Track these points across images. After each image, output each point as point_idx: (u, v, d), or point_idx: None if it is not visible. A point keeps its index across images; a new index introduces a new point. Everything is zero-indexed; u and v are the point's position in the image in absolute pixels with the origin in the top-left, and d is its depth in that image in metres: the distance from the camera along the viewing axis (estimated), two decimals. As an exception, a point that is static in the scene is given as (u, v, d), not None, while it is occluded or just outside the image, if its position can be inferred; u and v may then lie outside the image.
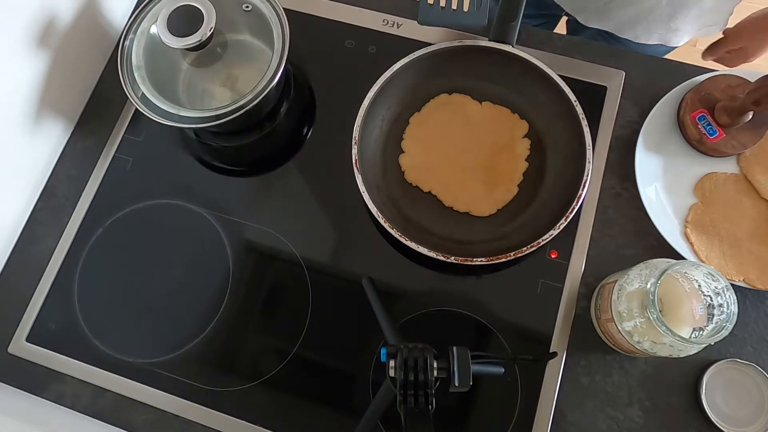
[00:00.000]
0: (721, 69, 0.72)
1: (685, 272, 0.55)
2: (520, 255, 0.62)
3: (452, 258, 0.63)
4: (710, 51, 0.84)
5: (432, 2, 0.63)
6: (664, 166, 0.70)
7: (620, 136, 0.72)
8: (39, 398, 0.67)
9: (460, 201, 0.70)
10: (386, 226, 0.64)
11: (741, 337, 0.64)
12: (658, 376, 0.64)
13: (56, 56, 0.70)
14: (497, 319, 0.67)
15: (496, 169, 0.70)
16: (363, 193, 0.65)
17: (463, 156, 0.71)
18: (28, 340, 0.69)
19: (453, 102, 0.73)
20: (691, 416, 0.63)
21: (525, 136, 0.71)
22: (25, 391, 0.68)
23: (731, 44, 0.81)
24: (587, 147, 0.65)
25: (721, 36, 0.82)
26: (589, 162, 0.65)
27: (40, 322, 0.70)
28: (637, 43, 0.85)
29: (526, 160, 0.71)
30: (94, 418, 0.66)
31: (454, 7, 0.64)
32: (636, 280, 0.55)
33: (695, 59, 0.81)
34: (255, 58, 0.72)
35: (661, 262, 0.54)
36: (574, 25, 0.95)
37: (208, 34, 0.64)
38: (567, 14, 0.91)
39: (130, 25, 0.68)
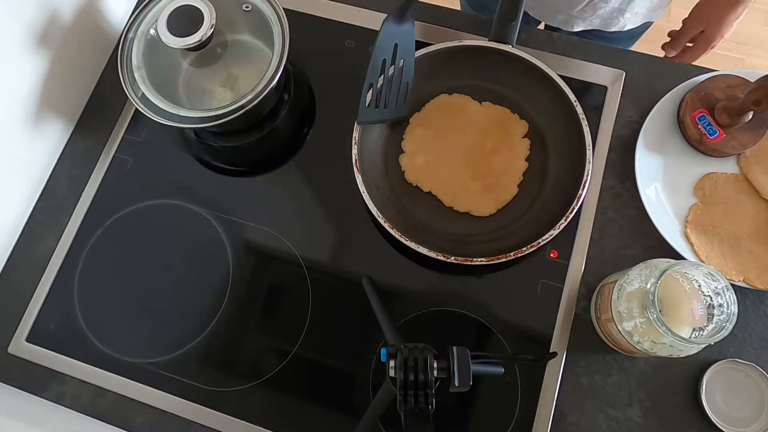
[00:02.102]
0: (721, 69, 0.72)
1: (685, 272, 0.55)
2: (520, 255, 0.62)
3: (452, 258, 0.63)
4: (672, 45, 0.84)
5: (368, 104, 0.66)
6: (664, 166, 0.70)
7: (620, 136, 0.72)
8: (39, 398, 0.67)
9: (460, 201, 0.70)
10: (386, 226, 0.64)
11: (741, 337, 0.64)
12: (658, 376, 0.64)
13: (56, 56, 0.70)
14: (497, 319, 0.67)
15: (497, 170, 0.70)
16: (363, 193, 0.65)
17: (463, 156, 0.71)
18: (28, 340, 0.69)
19: (453, 102, 0.73)
20: (691, 416, 0.63)
21: (525, 136, 0.71)
22: (25, 391, 0.68)
23: (691, 30, 0.80)
24: (587, 147, 0.65)
25: (678, 28, 0.81)
26: (589, 162, 0.65)
27: (40, 322, 0.70)
28: (619, 36, 0.85)
29: (526, 160, 0.71)
30: (94, 418, 0.66)
31: (384, 105, 0.67)
32: (636, 280, 0.55)
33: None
34: (255, 58, 0.73)
35: (661, 262, 0.54)
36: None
37: (208, 34, 0.64)
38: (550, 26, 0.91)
39: (130, 25, 0.68)
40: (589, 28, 0.85)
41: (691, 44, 0.83)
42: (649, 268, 0.55)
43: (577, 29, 0.85)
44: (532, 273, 0.68)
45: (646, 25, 0.87)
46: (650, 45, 0.89)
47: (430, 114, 0.73)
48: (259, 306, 0.69)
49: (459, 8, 1.04)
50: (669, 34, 0.84)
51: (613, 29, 0.84)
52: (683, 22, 0.81)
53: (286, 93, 0.74)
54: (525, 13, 0.87)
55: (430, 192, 0.71)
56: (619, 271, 0.62)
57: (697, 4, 0.79)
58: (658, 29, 0.92)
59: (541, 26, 1.01)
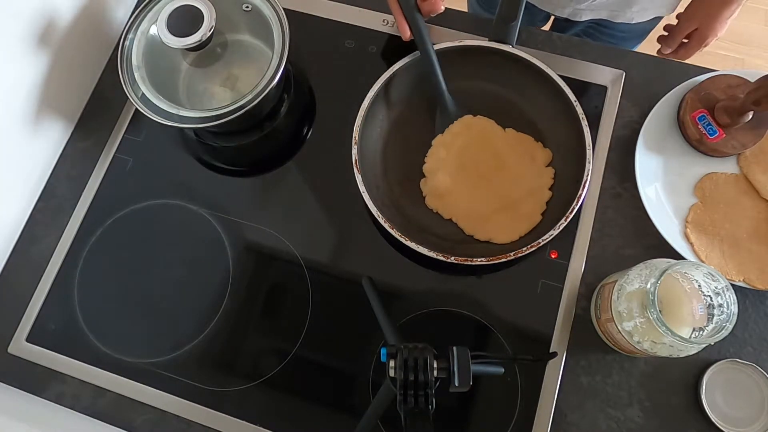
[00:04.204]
0: (721, 69, 0.72)
1: (685, 272, 0.55)
2: (520, 255, 0.62)
3: (452, 258, 0.63)
4: (667, 42, 0.83)
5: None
6: (664, 166, 0.70)
7: (620, 136, 0.72)
8: (39, 398, 0.67)
9: (482, 231, 0.68)
10: (386, 226, 0.64)
11: (741, 337, 0.64)
12: (658, 376, 0.64)
13: (56, 56, 0.70)
14: (497, 319, 0.67)
15: (521, 201, 0.68)
16: (363, 193, 0.65)
17: (486, 185, 0.69)
18: (28, 340, 0.69)
19: (477, 126, 0.71)
20: (691, 416, 0.63)
21: (549, 164, 0.70)
22: (25, 391, 0.68)
23: (686, 28, 0.79)
24: (587, 147, 0.65)
25: (673, 23, 0.81)
26: (589, 162, 0.65)
27: (40, 322, 0.70)
28: (628, 30, 0.85)
29: (550, 189, 0.69)
30: (94, 418, 0.66)
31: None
32: (636, 280, 0.55)
33: (695, 59, 0.81)
34: (255, 58, 0.73)
35: (661, 262, 0.54)
36: (561, 24, 0.95)
37: (208, 34, 0.64)
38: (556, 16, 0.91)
39: (130, 25, 0.68)
40: (596, 17, 0.85)
41: (686, 40, 0.82)
42: (649, 268, 0.55)
43: (584, 19, 0.86)
44: (532, 273, 0.68)
45: (656, 20, 0.87)
46: (650, 45, 0.89)
47: (455, 138, 0.71)
48: (259, 306, 0.69)
49: (459, 8, 1.04)
50: (665, 28, 0.84)
51: (619, 21, 0.84)
52: (678, 17, 0.80)
53: (286, 93, 0.74)
54: (531, 5, 0.87)
55: (450, 219, 0.69)
56: (619, 271, 0.62)
57: (691, 2, 0.79)
58: (657, 28, 0.92)
59: (547, 26, 1.02)
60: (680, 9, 0.82)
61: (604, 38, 0.94)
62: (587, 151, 0.65)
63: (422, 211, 0.70)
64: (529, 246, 0.63)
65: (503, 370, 0.57)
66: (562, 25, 0.95)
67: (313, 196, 0.73)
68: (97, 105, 0.78)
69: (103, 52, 0.79)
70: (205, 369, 0.67)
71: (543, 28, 1.00)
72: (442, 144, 0.71)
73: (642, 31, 0.91)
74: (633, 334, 0.55)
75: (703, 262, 0.65)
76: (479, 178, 0.70)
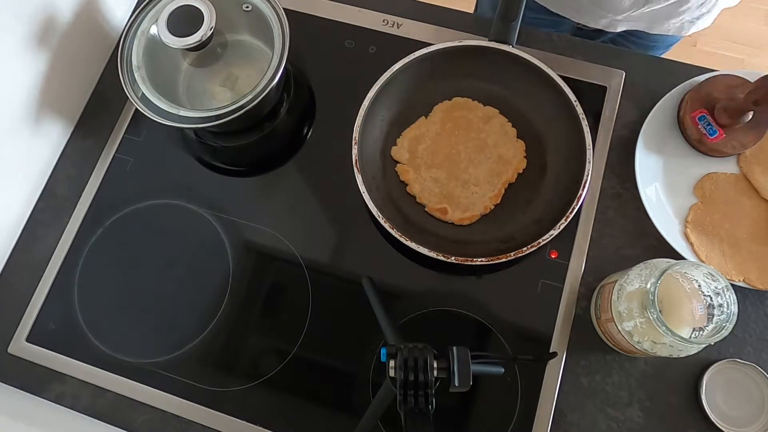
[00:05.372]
0: (721, 69, 0.72)
1: (685, 272, 0.55)
2: (520, 255, 0.62)
3: (452, 258, 0.63)
4: None
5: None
6: (664, 166, 0.70)
7: (620, 136, 0.72)
8: (39, 398, 0.67)
9: (474, 213, 0.69)
10: (386, 226, 0.64)
11: (741, 337, 0.64)
12: (658, 376, 0.64)
13: (56, 56, 0.70)
14: (497, 319, 0.67)
15: (498, 162, 0.70)
16: (363, 193, 0.65)
17: (468, 169, 0.71)
18: (28, 340, 0.69)
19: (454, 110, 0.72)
20: (691, 416, 0.63)
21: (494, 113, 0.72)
22: (25, 391, 0.68)
23: None
24: (587, 147, 0.65)
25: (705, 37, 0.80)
26: (589, 162, 0.65)
27: (40, 322, 0.70)
28: (659, 40, 0.83)
29: (519, 138, 0.71)
30: (94, 418, 0.66)
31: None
32: (636, 280, 0.55)
33: (695, 59, 0.81)
34: (255, 58, 0.73)
35: (661, 262, 0.54)
36: (589, 33, 0.90)
37: (208, 34, 0.64)
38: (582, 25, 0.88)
39: (130, 25, 0.68)
40: (633, 28, 0.84)
41: None
42: (649, 268, 0.55)
43: (620, 29, 0.84)
44: (532, 273, 0.68)
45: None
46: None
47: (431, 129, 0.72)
48: (259, 306, 0.69)
49: (459, 8, 1.04)
50: None
51: (655, 32, 0.83)
52: None
53: (286, 93, 0.74)
54: (559, 16, 0.85)
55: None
56: (619, 271, 0.62)
57: None
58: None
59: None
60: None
61: (632, 47, 0.91)
62: (587, 151, 0.65)
63: (422, 211, 0.70)
64: (529, 246, 0.63)
65: (503, 370, 0.57)
66: (591, 34, 0.91)
67: (313, 196, 0.73)
68: (97, 105, 0.78)
69: (103, 52, 0.80)
70: (205, 369, 0.67)
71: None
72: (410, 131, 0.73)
73: (672, 41, 0.89)
74: (633, 334, 0.55)
75: (703, 262, 0.65)
76: (463, 166, 0.71)
